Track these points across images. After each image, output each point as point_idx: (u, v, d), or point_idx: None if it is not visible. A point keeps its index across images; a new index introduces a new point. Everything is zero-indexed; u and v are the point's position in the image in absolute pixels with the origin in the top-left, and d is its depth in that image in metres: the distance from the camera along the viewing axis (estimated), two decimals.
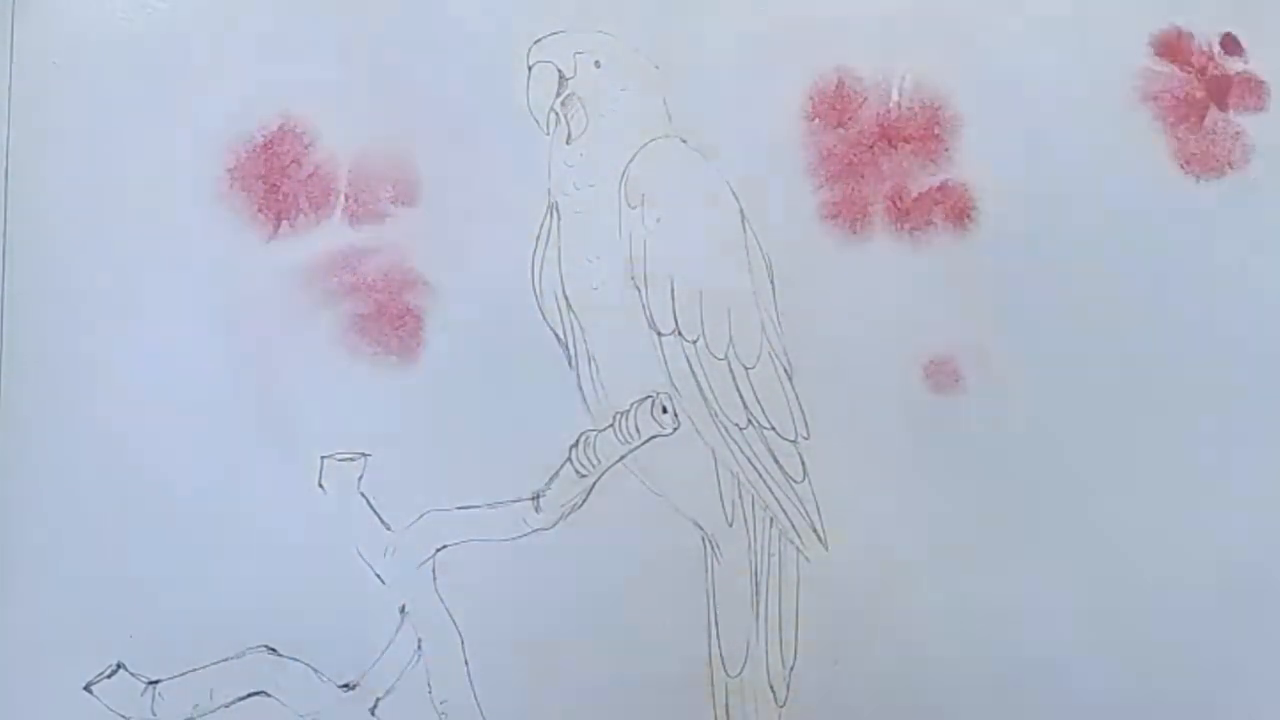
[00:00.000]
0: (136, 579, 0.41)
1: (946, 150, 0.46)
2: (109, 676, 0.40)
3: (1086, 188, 0.46)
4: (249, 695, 0.41)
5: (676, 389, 0.44)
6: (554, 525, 0.42)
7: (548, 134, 0.45)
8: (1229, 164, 0.46)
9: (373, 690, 0.41)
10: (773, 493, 0.43)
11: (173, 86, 0.43)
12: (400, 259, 0.44)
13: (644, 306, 0.44)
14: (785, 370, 0.44)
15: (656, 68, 0.46)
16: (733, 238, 0.45)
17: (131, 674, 0.40)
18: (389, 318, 0.43)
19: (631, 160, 0.45)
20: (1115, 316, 0.45)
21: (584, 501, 0.43)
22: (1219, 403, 0.45)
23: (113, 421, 0.42)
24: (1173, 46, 0.48)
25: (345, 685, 0.41)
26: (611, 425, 0.43)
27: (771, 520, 0.43)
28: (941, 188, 0.46)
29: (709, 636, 0.42)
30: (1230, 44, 0.48)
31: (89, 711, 0.40)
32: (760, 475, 0.43)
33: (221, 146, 0.43)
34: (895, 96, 0.47)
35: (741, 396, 0.44)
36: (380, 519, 0.42)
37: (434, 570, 0.42)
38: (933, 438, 0.44)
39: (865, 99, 0.47)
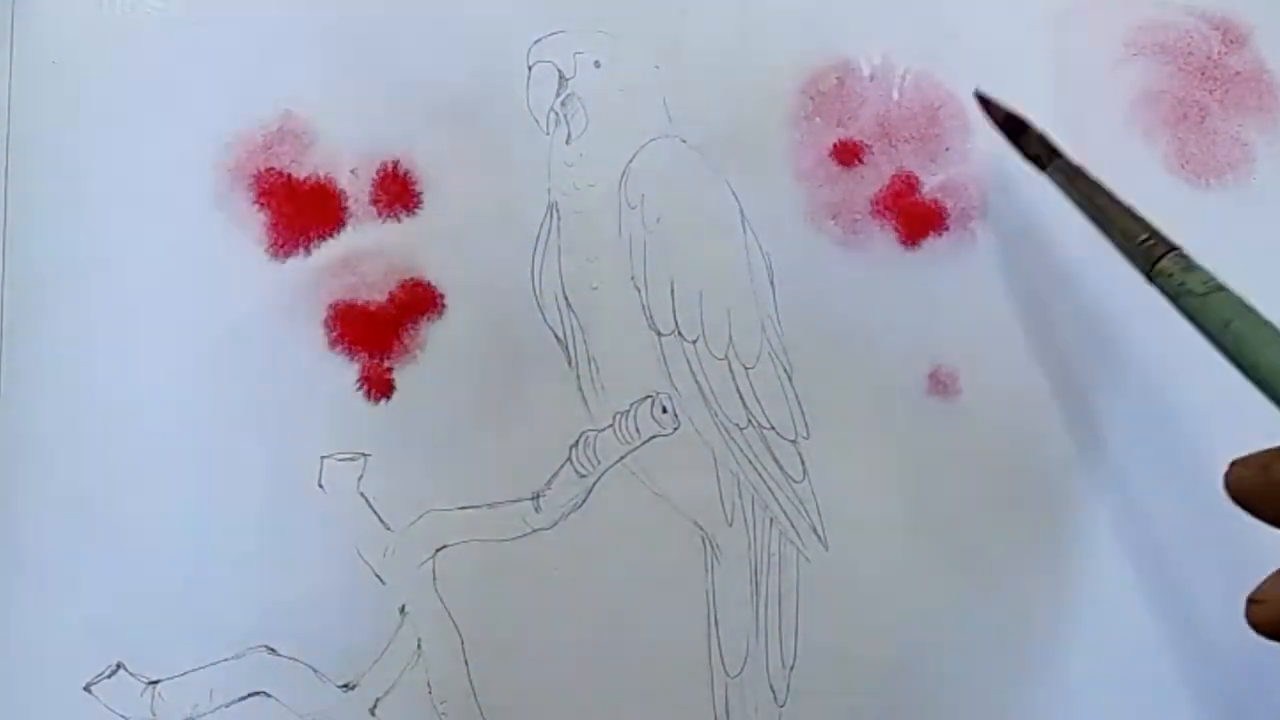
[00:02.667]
0: (136, 579, 0.41)
1: (947, 150, 0.46)
2: (109, 676, 0.40)
3: None
4: (249, 695, 0.41)
5: (676, 389, 0.44)
6: (554, 525, 0.42)
7: (548, 134, 0.45)
8: (1229, 166, 0.46)
9: (373, 690, 0.41)
10: (773, 493, 0.43)
11: (172, 86, 0.43)
12: (400, 259, 0.44)
13: (644, 306, 0.44)
14: (785, 370, 0.44)
15: (656, 68, 0.46)
16: (732, 238, 0.45)
17: (131, 674, 0.40)
18: (389, 318, 0.43)
19: (631, 160, 0.45)
20: (1117, 317, 0.45)
21: (584, 501, 0.43)
22: (1222, 406, 0.45)
23: (113, 421, 0.42)
24: (1171, 46, 0.47)
25: (345, 685, 0.41)
26: (611, 425, 0.43)
27: (771, 520, 0.43)
28: (942, 187, 0.46)
29: (709, 636, 0.42)
30: (1232, 40, 0.48)
31: (89, 711, 0.40)
32: (760, 475, 0.43)
33: (221, 146, 0.43)
34: (895, 95, 0.47)
35: (741, 396, 0.44)
36: (380, 519, 0.42)
37: (434, 570, 0.42)
38: (933, 438, 0.44)
39: (865, 98, 0.47)
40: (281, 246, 0.43)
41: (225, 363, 0.42)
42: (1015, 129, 0.41)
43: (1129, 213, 0.37)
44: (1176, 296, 0.33)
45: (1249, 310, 0.32)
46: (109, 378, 0.42)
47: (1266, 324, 0.31)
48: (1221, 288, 0.33)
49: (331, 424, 0.42)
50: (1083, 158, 0.47)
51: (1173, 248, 0.35)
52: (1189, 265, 0.34)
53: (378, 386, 0.43)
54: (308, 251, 0.43)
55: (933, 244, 0.46)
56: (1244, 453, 0.45)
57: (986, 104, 0.42)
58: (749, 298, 0.45)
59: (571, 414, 0.43)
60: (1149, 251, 0.35)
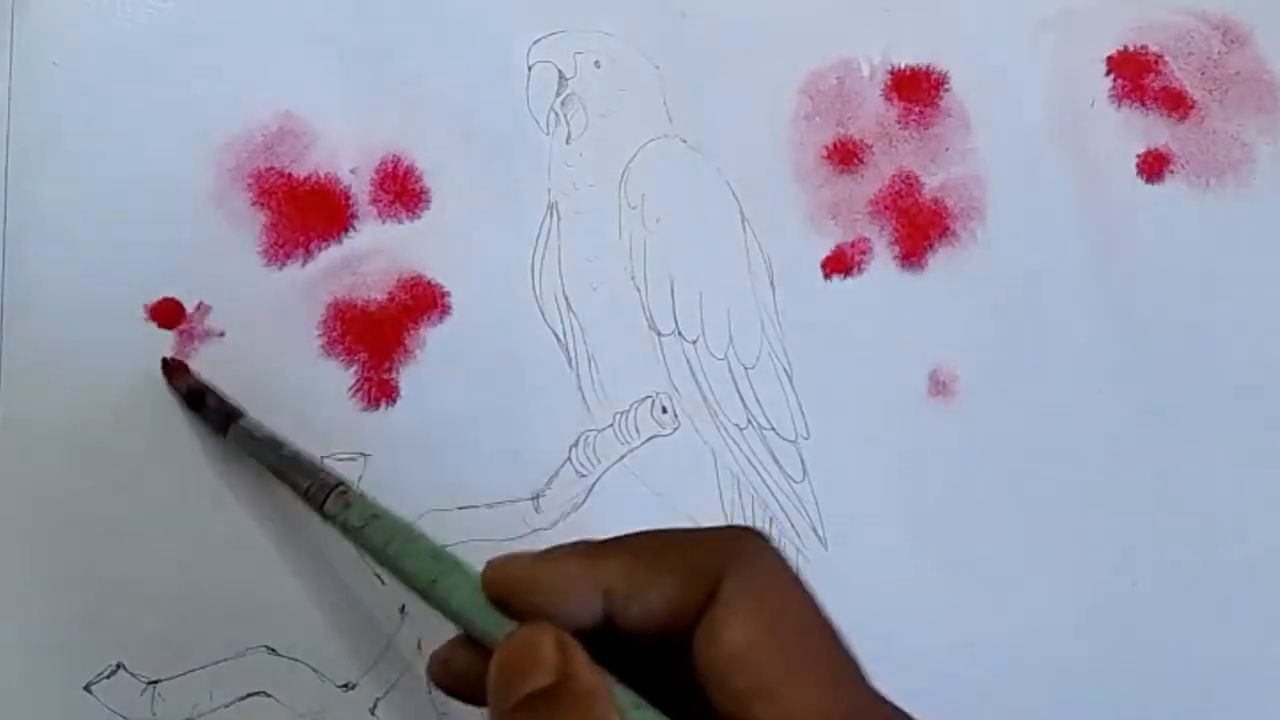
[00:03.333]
0: (136, 579, 0.41)
1: (947, 150, 0.46)
2: (109, 676, 0.40)
3: (1087, 189, 0.46)
4: (249, 695, 0.41)
5: (676, 389, 0.44)
6: (554, 525, 0.42)
7: (548, 134, 0.45)
8: (1229, 166, 0.46)
9: (373, 690, 0.41)
10: (773, 493, 0.43)
11: (173, 86, 0.43)
12: (400, 259, 0.43)
13: (644, 306, 0.44)
14: (785, 370, 0.44)
15: (657, 68, 0.46)
16: (732, 238, 0.45)
17: (131, 674, 0.40)
18: (389, 318, 0.43)
19: (631, 160, 0.45)
20: (1117, 316, 0.46)
21: (584, 501, 0.43)
22: (1221, 408, 0.45)
23: (112, 419, 0.42)
24: (1171, 46, 0.48)
25: (345, 685, 0.41)
26: (611, 425, 0.43)
27: (771, 520, 0.43)
28: (943, 188, 0.46)
29: None
30: (1232, 40, 0.48)
31: (89, 711, 0.40)
32: (760, 475, 0.43)
33: (220, 146, 0.43)
34: (895, 95, 0.47)
35: (741, 396, 0.44)
36: None
37: None
38: (933, 438, 0.44)
39: (865, 98, 0.47)
40: (281, 247, 0.43)
41: (223, 363, 0.42)
42: (196, 401, 0.40)
43: (297, 464, 0.37)
44: (346, 533, 0.33)
45: (403, 528, 0.32)
46: (108, 377, 0.42)
47: (418, 537, 0.32)
48: (378, 515, 0.33)
49: (330, 424, 0.42)
50: (1083, 157, 0.47)
51: (334, 487, 0.34)
52: (348, 501, 0.34)
53: (377, 387, 0.43)
54: (307, 251, 0.43)
55: (932, 244, 0.46)
56: (1244, 450, 0.45)
57: (172, 372, 0.41)
58: (749, 298, 0.45)
59: (571, 414, 0.43)
60: (316, 497, 0.35)
